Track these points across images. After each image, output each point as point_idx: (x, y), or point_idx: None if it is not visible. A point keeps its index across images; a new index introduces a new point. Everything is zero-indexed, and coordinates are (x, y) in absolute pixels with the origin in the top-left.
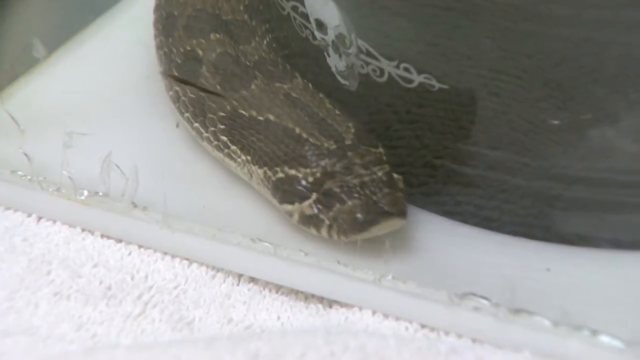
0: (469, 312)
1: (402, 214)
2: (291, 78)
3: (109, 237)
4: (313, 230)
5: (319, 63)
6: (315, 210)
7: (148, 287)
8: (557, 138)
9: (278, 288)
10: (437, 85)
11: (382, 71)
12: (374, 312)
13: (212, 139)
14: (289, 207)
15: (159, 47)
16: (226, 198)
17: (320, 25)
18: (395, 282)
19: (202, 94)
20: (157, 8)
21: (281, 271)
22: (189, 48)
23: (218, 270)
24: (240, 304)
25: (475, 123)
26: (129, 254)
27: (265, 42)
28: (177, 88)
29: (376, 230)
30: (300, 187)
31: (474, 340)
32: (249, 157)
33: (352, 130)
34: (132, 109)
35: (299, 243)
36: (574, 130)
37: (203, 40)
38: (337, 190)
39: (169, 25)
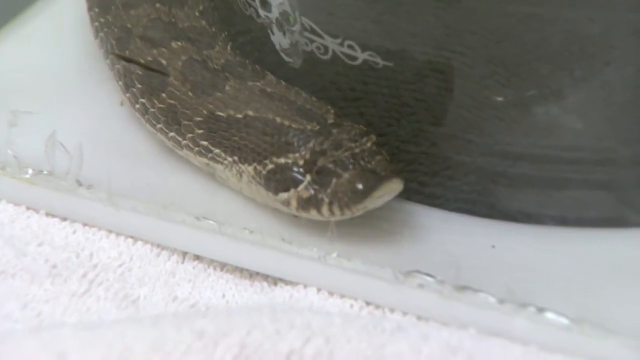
0: (414, 289)
1: (399, 176)
2: (263, 76)
3: (53, 216)
4: (314, 213)
5: (263, 41)
6: (312, 191)
7: (93, 265)
8: (502, 115)
9: (223, 266)
10: (382, 62)
11: (326, 49)
12: (318, 290)
13: (191, 145)
14: (284, 195)
15: (113, 65)
16: (171, 176)
17: (264, 3)
18: (340, 260)
19: (172, 102)
20: (103, 26)
21: (226, 249)
22: (150, 59)
23: (163, 248)
24: (185, 282)
25: (419, 100)
26: (74, 232)
27: (229, 46)
28: (153, 110)
29: (377, 196)
30: (292, 173)
31: (419, 318)
32: (235, 158)
33: (332, 111)
34: (76, 87)
35: (243, 221)
36: (518, 107)
37: (165, 50)
38: (331, 165)
39: (124, 39)
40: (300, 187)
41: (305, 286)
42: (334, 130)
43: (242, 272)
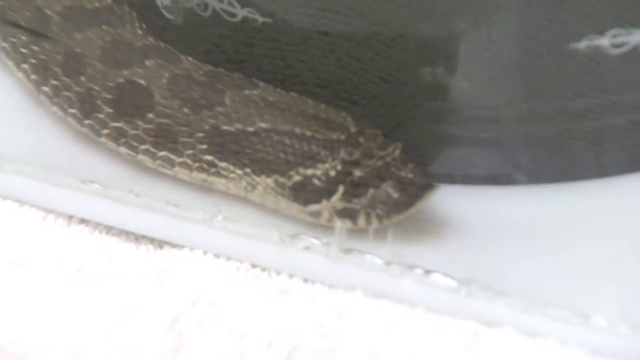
0: (300, 251)
1: (434, 182)
2: (254, 84)
3: None
4: (348, 223)
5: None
6: (348, 202)
7: None
8: (387, 76)
9: (109, 229)
10: (261, 19)
11: (205, 5)
12: (205, 253)
13: (190, 162)
14: (316, 207)
15: (62, 90)
16: (56, 139)
17: None
18: (226, 222)
19: (166, 121)
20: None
21: (111, 212)
22: (122, 80)
23: (49, 212)
24: (71, 246)
25: (304, 62)
26: None
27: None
28: (135, 132)
29: (418, 206)
30: (323, 184)
31: (305, 280)
32: (247, 170)
33: (349, 118)
34: None
35: (129, 184)
36: (403, 68)
37: (140, 70)
38: (366, 176)
39: (72, 65)
40: (334, 198)
41: (191, 249)
42: (361, 139)
43: (128, 235)
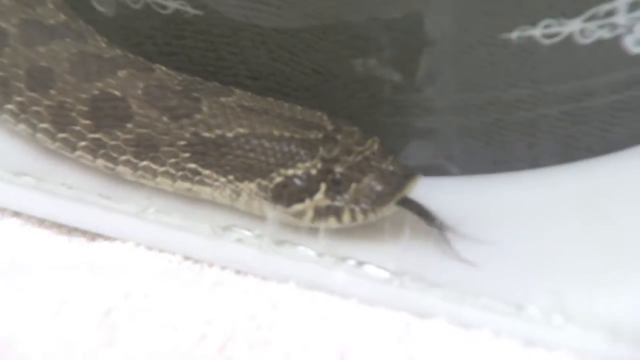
0: (232, 243)
1: (415, 173)
2: (230, 91)
3: None
4: (332, 221)
5: None
6: (331, 200)
7: None
8: (319, 68)
9: (41, 222)
10: (192, 11)
11: None
12: (137, 245)
13: (173, 171)
14: (299, 206)
15: (29, 105)
16: None
17: None
18: (158, 215)
19: (146, 130)
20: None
21: (44, 205)
22: (97, 92)
23: None
24: (2, 239)
25: (235, 54)
26: None
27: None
28: (114, 142)
29: (402, 196)
30: (305, 183)
31: (237, 272)
32: (230, 177)
33: (325, 117)
34: None
35: (61, 177)
36: (334, 60)
37: (113, 81)
38: (347, 171)
39: (38, 79)
40: (317, 196)
41: (123, 242)
42: (338, 136)
43: (60, 228)
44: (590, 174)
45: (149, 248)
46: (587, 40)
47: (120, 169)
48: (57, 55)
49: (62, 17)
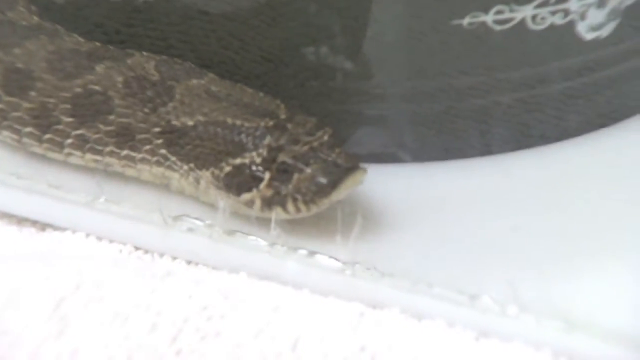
0: (183, 233)
1: (361, 166)
2: (203, 74)
3: None
4: (280, 211)
5: None
6: (275, 189)
7: None
8: (269, 56)
9: None
10: None
11: None
12: (87, 235)
13: (149, 157)
14: (248, 195)
15: (10, 111)
16: None
17: None
18: (108, 204)
19: (126, 120)
20: None
21: None
22: (79, 90)
23: None
24: None
25: (185, 42)
26: None
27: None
28: (98, 135)
29: (343, 189)
30: (251, 172)
31: (188, 262)
32: (191, 165)
33: (282, 106)
34: None
35: (11, 167)
36: (285, 48)
37: (92, 77)
38: (291, 161)
39: (16, 82)
40: (262, 185)
41: (73, 231)
42: (289, 125)
43: (10, 218)
44: (544, 161)
45: (100, 238)
46: (539, 27)
47: (107, 160)
48: (34, 55)
49: (35, 19)
